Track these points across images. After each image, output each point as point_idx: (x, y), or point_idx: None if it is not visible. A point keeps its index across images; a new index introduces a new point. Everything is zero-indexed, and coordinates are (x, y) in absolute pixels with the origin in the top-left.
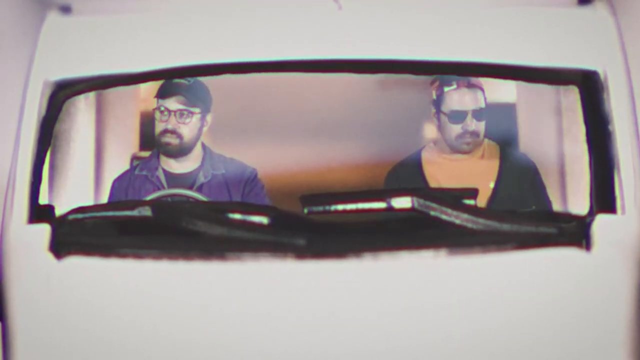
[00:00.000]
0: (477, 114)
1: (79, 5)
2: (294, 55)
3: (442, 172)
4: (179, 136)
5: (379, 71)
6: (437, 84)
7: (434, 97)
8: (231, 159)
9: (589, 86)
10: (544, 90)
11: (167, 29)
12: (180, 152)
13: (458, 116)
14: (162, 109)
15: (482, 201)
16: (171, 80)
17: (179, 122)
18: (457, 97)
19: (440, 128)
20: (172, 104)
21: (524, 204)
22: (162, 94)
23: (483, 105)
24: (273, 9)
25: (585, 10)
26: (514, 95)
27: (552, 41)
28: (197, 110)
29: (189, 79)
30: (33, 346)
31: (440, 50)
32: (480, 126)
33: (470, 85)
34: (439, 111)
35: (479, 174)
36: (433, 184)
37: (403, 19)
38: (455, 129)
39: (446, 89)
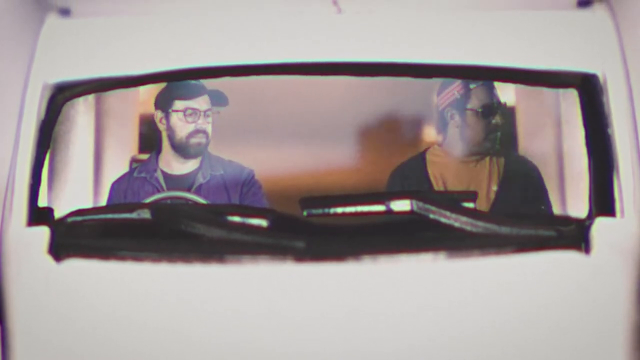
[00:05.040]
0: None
1: (79, 7)
2: (293, 58)
3: (448, 173)
4: (206, 135)
5: (378, 74)
6: (458, 85)
7: (458, 97)
8: (229, 160)
9: (588, 89)
10: (543, 93)
11: (167, 31)
12: (202, 151)
13: (488, 110)
14: (190, 111)
15: (486, 204)
16: (194, 81)
17: (206, 122)
18: (487, 92)
19: (465, 128)
20: (202, 104)
21: (526, 208)
22: (189, 95)
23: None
24: (272, 12)
25: (585, 13)
26: (513, 98)
27: (552, 44)
28: (217, 110)
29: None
30: (32, 349)
31: (439, 53)
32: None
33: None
34: (464, 110)
35: (484, 177)
36: (438, 185)
37: (402, 22)
38: (484, 124)
39: (472, 86)
